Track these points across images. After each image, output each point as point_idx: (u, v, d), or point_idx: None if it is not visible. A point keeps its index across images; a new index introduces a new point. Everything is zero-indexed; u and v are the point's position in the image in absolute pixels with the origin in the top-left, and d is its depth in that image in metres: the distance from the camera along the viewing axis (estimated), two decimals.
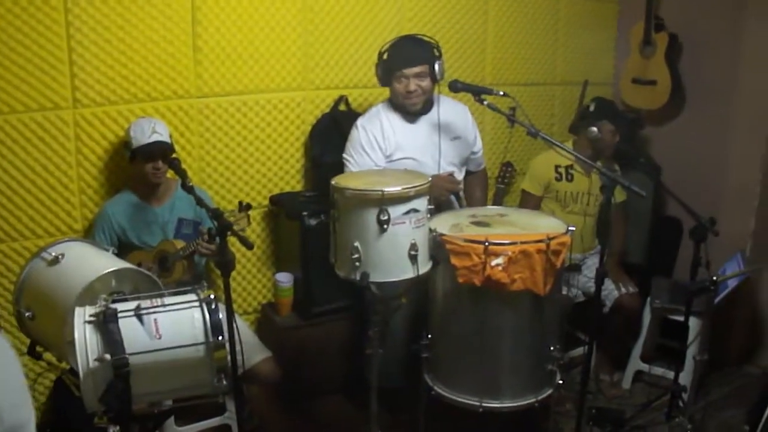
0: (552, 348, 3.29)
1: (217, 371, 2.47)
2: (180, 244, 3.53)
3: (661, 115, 5.35)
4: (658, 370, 4.73)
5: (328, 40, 4.18)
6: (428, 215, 2.98)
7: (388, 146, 3.75)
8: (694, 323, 4.32)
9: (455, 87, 3.60)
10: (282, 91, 4.11)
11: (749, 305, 5.11)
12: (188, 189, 3.07)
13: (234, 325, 2.63)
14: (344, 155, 3.78)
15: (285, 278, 4.14)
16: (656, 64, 5.16)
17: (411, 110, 3.83)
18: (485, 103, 3.50)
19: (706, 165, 5.09)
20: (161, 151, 3.51)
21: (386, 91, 3.92)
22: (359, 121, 3.82)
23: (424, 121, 3.86)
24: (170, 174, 3.61)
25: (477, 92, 3.57)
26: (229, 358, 2.53)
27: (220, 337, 2.45)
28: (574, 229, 3.25)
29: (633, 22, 5.27)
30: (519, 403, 3.25)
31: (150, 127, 3.50)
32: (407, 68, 3.72)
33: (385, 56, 3.77)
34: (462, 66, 4.66)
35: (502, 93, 3.51)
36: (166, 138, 3.53)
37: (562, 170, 4.52)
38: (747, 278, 4.53)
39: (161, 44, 3.74)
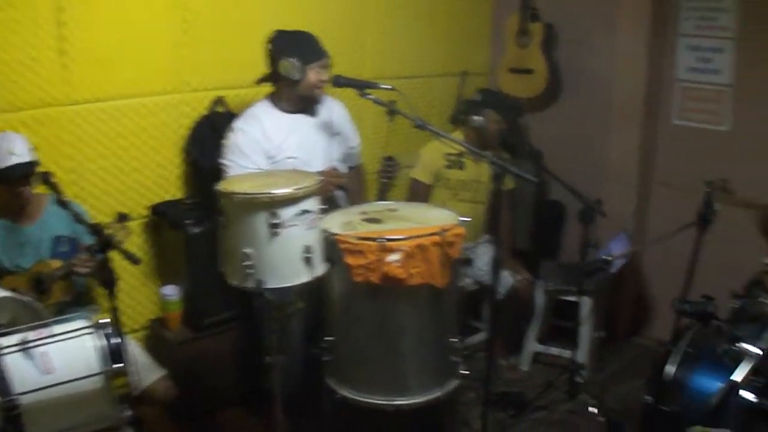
0: (453, 339, 3.25)
1: (120, 401, 2.30)
2: (56, 263, 3.26)
3: (538, 102, 5.40)
4: (555, 350, 4.78)
5: (203, 40, 4.00)
6: (320, 215, 2.88)
7: (270, 147, 3.60)
8: (585, 302, 4.37)
9: (338, 82, 3.50)
10: (156, 95, 3.91)
11: (635, 281, 5.21)
12: (63, 204, 2.87)
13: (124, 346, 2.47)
14: (222, 160, 3.57)
15: (172, 291, 3.96)
16: (532, 53, 5.19)
17: (317, 101, 3.75)
18: (370, 97, 3.42)
19: (586, 149, 5.16)
20: (22, 175, 3.15)
21: (262, 91, 3.79)
22: (236, 124, 3.63)
23: (306, 119, 3.74)
24: (40, 188, 3.27)
25: (361, 86, 3.49)
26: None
27: (119, 364, 2.28)
28: (468, 219, 3.20)
29: (508, 12, 5.29)
30: (426, 398, 3.20)
31: (6, 148, 3.12)
32: (321, 60, 3.63)
33: (292, 49, 3.59)
34: (342, 61, 4.55)
35: (389, 87, 3.43)
36: (26, 157, 3.16)
37: (453, 158, 4.50)
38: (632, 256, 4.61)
39: (24, 48, 3.45)
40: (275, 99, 3.71)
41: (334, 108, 3.91)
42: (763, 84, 4.50)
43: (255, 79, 3.75)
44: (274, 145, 3.61)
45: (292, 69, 3.54)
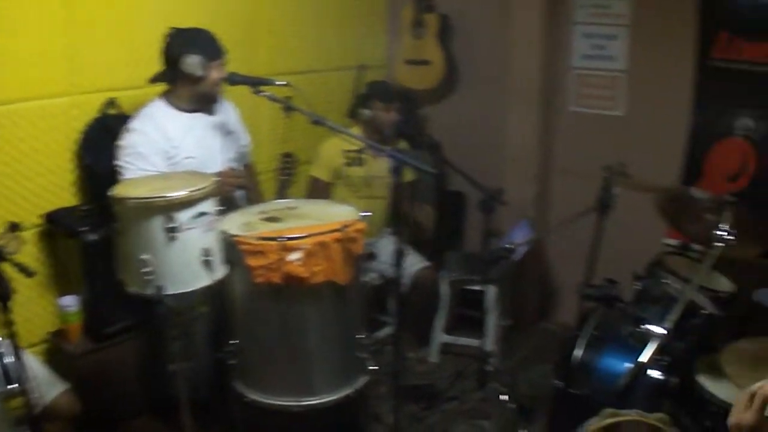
0: (361, 336, 3.25)
1: (16, 423, 2.21)
2: None
3: (436, 94, 5.43)
4: (463, 340, 4.81)
5: (92, 40, 3.87)
6: (218, 217, 2.83)
7: (169, 147, 3.51)
8: (490, 290, 4.42)
9: (233, 80, 3.46)
10: (46, 98, 3.75)
11: (538, 268, 5.29)
12: None
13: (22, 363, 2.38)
14: (118, 162, 3.45)
15: (70, 301, 3.83)
16: (429, 44, 5.22)
17: (216, 100, 3.69)
18: (265, 94, 3.38)
19: (485, 139, 5.21)
20: None
21: (155, 90, 3.71)
22: (132, 124, 3.51)
23: (204, 118, 3.67)
24: None
25: (256, 84, 3.45)
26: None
27: (13, 385, 2.19)
28: (369, 214, 3.19)
29: (403, 4, 5.30)
30: (336, 396, 3.19)
31: None
32: (222, 57, 3.58)
33: (194, 46, 3.50)
34: (234, 58, 4.48)
35: (283, 83, 3.40)
36: None
37: (351, 155, 4.49)
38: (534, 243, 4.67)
39: None
40: (171, 98, 3.62)
41: (227, 107, 3.86)
42: (656, 69, 4.63)
43: (147, 78, 3.66)
44: (173, 145, 3.52)
45: (196, 66, 3.47)
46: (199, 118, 3.66)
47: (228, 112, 3.84)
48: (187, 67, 3.47)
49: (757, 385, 1.67)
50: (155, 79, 3.65)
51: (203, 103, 3.65)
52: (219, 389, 3.41)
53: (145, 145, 3.44)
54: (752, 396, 1.65)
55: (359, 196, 4.53)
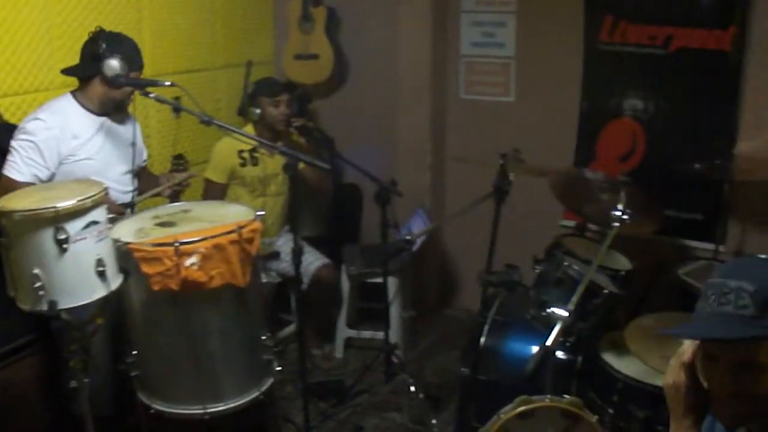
0: (264, 337, 3.22)
1: None
2: None
3: (327, 87, 5.43)
4: (367, 334, 4.84)
5: None
6: (109, 225, 2.77)
7: (71, 146, 3.40)
8: (391, 282, 4.45)
9: (118, 82, 3.37)
10: None
11: (438, 256, 5.36)
12: None
13: None
14: (13, 143, 3.30)
15: None
16: (317, 38, 5.22)
17: (124, 109, 3.66)
18: (152, 95, 3.32)
19: (377, 131, 5.25)
20: None
21: (39, 98, 3.60)
22: (41, 114, 3.38)
23: (109, 124, 3.59)
24: None
25: (142, 85, 3.38)
26: None
27: None
28: (263, 213, 3.17)
29: None
30: (243, 401, 3.16)
31: None
32: (141, 70, 3.54)
33: (121, 51, 3.41)
34: None
35: (168, 83, 3.33)
36: None
37: (246, 155, 4.45)
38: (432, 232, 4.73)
39: None
40: (80, 96, 3.52)
41: (133, 121, 3.78)
42: (545, 54, 4.75)
43: (31, 84, 3.55)
44: (77, 143, 3.43)
45: (117, 71, 3.39)
46: (106, 122, 3.58)
47: (131, 126, 3.75)
48: (108, 70, 3.38)
49: (685, 345, 1.80)
50: (68, 72, 3.57)
51: (111, 109, 3.58)
52: (123, 402, 3.34)
53: (45, 140, 3.32)
54: (682, 358, 1.80)
55: (256, 195, 4.51)
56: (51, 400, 3.68)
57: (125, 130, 3.69)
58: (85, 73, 3.50)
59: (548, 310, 2.93)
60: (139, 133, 3.83)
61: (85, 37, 3.53)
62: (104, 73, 3.39)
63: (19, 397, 3.70)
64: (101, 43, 3.40)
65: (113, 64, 3.37)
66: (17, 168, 3.25)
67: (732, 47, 4.21)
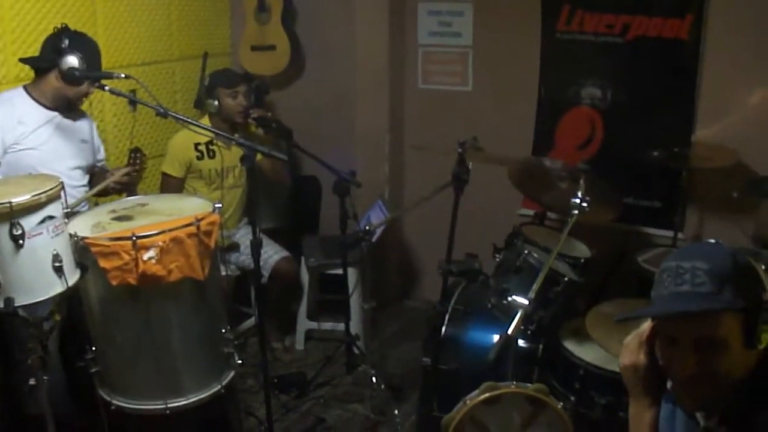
0: (224, 330, 3.21)
1: None
2: None
3: (284, 78, 5.43)
4: (328, 325, 4.84)
5: None
6: (65, 220, 2.73)
7: (15, 135, 3.39)
8: (351, 273, 4.46)
9: (71, 75, 3.34)
10: None
11: (398, 246, 5.37)
12: None
13: None
14: None
15: None
16: (273, 29, 5.21)
17: (75, 108, 3.65)
18: (106, 88, 3.28)
19: (335, 120, 5.25)
20: None
21: None
22: None
23: (60, 119, 3.57)
24: None
25: (96, 78, 3.36)
26: None
27: None
28: (221, 206, 3.15)
29: None
30: (204, 394, 3.15)
31: None
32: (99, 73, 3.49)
33: (82, 50, 3.40)
34: None
35: (123, 75, 3.29)
36: None
37: (202, 148, 4.43)
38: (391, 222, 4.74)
39: None
40: (33, 90, 3.51)
41: (86, 120, 3.77)
42: (502, 44, 4.78)
43: None
44: (22, 132, 3.41)
45: (75, 69, 3.37)
46: (56, 117, 3.56)
47: (85, 124, 3.74)
48: (65, 65, 3.36)
49: (643, 327, 1.86)
50: (26, 61, 3.56)
51: (63, 106, 3.56)
52: (83, 399, 3.31)
53: None
54: (640, 338, 1.86)
55: (213, 188, 4.49)
56: (8, 400, 3.64)
57: (78, 127, 3.67)
58: (42, 64, 3.47)
59: (509, 299, 2.96)
60: (95, 131, 3.83)
61: (39, 32, 3.50)
62: (61, 68, 3.37)
63: None
64: (64, 39, 3.39)
65: (72, 60, 3.35)
66: None
67: (689, 36, 4.27)
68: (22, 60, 3.57)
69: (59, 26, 3.46)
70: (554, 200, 3.85)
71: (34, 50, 3.69)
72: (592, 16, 4.48)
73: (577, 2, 4.51)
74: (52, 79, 3.46)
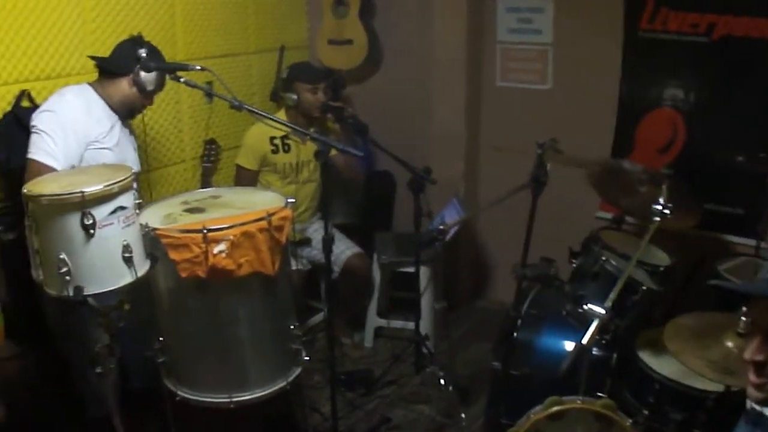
0: (292, 326, 3.18)
1: None
2: None
3: (360, 73, 5.37)
4: (397, 323, 4.79)
5: (1, 29, 3.70)
6: (137, 211, 2.72)
7: (94, 132, 3.37)
8: (423, 272, 4.39)
9: (147, 66, 3.34)
10: None
11: (472, 246, 5.28)
12: None
13: None
14: (35, 123, 3.25)
15: None
16: (351, 23, 5.16)
17: (133, 117, 3.67)
18: (182, 80, 3.27)
19: (411, 117, 5.18)
20: None
21: (71, 82, 3.59)
22: (67, 95, 3.36)
23: (121, 124, 3.58)
24: None
25: (172, 69, 3.35)
26: None
27: None
28: (293, 201, 3.12)
29: None
30: (270, 390, 3.11)
31: None
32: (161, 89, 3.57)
33: (158, 61, 3.44)
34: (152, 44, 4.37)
35: (198, 67, 3.28)
36: None
37: (278, 141, 4.41)
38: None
39: None
40: (101, 90, 3.49)
41: (133, 131, 3.79)
42: (583, 41, 4.64)
43: (63, 69, 3.52)
44: (99, 131, 3.40)
45: (149, 82, 3.42)
46: (117, 122, 3.55)
47: (134, 135, 3.78)
48: (140, 78, 3.40)
49: None
50: (100, 62, 3.56)
51: (125, 112, 3.56)
52: (149, 389, 3.31)
53: (70, 122, 3.28)
54: None
55: (288, 182, 4.48)
56: (78, 385, 3.66)
57: (130, 136, 3.69)
58: (120, 69, 3.46)
59: (585, 307, 2.84)
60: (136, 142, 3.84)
61: (117, 23, 3.50)
62: (136, 80, 3.40)
63: (46, 382, 3.70)
64: (143, 49, 3.40)
65: (148, 75, 3.41)
66: (47, 151, 3.20)
67: None
68: (96, 60, 3.57)
69: (135, 35, 3.48)
70: (633, 204, 3.71)
71: (111, 43, 3.68)
72: (677, 15, 4.32)
73: (662, 0, 4.35)
74: (124, 85, 3.44)
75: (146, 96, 3.49)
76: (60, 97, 3.35)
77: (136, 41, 3.44)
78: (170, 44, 4.49)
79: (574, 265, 3.59)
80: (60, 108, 3.29)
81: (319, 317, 4.76)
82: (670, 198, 3.04)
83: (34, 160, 3.18)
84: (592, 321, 2.72)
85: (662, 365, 3.13)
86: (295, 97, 4.35)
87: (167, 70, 3.35)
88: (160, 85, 3.44)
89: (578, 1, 4.63)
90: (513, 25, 4.92)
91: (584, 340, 2.67)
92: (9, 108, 3.76)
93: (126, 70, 3.43)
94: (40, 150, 3.19)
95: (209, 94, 3.34)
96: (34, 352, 3.69)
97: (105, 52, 3.66)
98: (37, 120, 3.26)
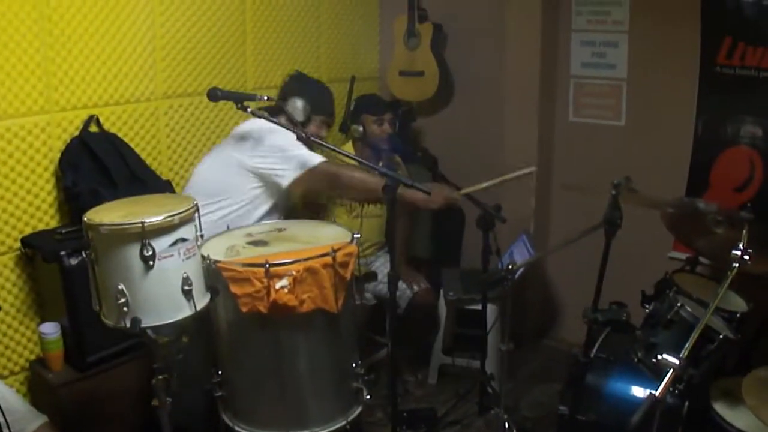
0: (354, 365, 3.11)
1: None
2: None
3: (431, 105, 5.31)
4: (462, 361, 4.63)
5: (72, 54, 3.69)
6: (198, 243, 2.66)
7: None
8: (491, 310, 4.26)
9: (214, 95, 3.30)
10: (23, 116, 3.57)
11: (540, 284, 5.15)
12: None
13: None
14: (277, 165, 3.50)
15: (50, 329, 3.64)
16: (422, 55, 5.08)
17: None
18: (249, 110, 3.23)
19: (482, 151, 5.07)
20: None
21: (139, 109, 3.59)
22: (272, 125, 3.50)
23: None
24: None
25: (238, 99, 3.31)
26: None
27: None
28: (359, 236, 3.03)
29: (395, 13, 5.17)
30: (329, 428, 3.04)
31: None
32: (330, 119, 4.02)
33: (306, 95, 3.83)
34: (221, 72, 4.34)
35: (266, 97, 3.25)
36: None
37: None
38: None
39: None
40: None
41: None
42: (658, 77, 4.49)
43: (132, 95, 3.56)
44: None
45: (299, 112, 3.78)
46: None
47: None
48: (292, 109, 3.68)
49: None
50: (274, 103, 3.82)
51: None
52: (207, 422, 3.25)
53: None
54: None
55: (354, 215, 4.39)
56: (144, 408, 3.61)
57: None
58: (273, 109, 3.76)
59: (658, 357, 2.69)
60: None
61: (188, 50, 3.51)
62: (287, 110, 3.81)
63: (109, 404, 3.67)
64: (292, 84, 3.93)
65: (298, 105, 3.82)
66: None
67: None
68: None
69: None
70: (708, 245, 3.55)
71: (181, 69, 3.66)
72: (755, 51, 4.14)
73: (740, 35, 4.16)
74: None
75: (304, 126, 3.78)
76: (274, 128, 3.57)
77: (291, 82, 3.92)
78: (240, 72, 4.47)
79: (647, 310, 3.42)
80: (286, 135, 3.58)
81: (383, 353, 4.64)
82: (749, 242, 2.87)
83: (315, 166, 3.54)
84: (665, 372, 2.57)
85: (738, 418, 2.99)
86: (361, 128, 4.27)
87: (233, 99, 3.31)
88: (227, 93, 3.42)
89: (653, 35, 4.48)
90: (586, 59, 4.79)
91: (658, 392, 2.52)
92: (77, 133, 3.77)
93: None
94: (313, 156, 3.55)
95: (279, 125, 3.29)
96: (92, 378, 3.66)
97: (175, 78, 3.66)
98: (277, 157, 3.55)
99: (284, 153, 3.52)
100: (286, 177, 3.52)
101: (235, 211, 3.58)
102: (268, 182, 3.60)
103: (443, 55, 5.17)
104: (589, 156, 4.78)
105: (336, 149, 3.37)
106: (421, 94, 5.17)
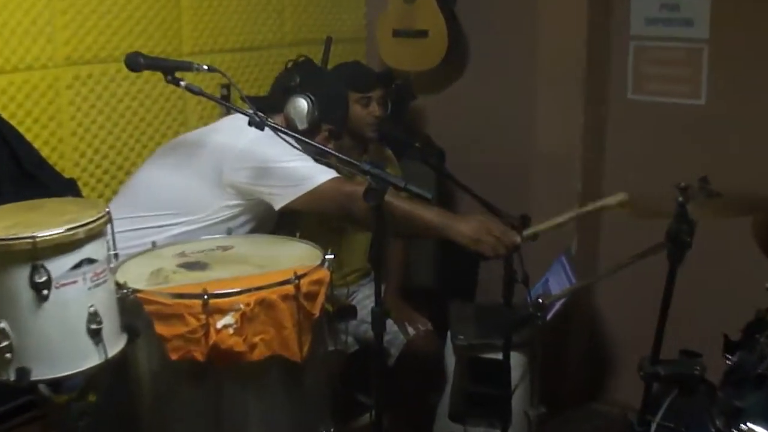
0: (324, 430, 3.18)
1: None
2: None
3: (436, 78, 5.39)
4: (477, 430, 4.68)
5: None
6: (110, 264, 2.70)
7: None
8: (516, 360, 4.31)
9: (135, 63, 3.33)
10: None
11: (583, 325, 5.19)
12: None
13: None
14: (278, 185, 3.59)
15: None
16: (425, 9, 5.17)
17: None
18: (182, 84, 3.27)
19: (506, 141, 5.17)
20: None
21: (31, 78, 3.67)
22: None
23: None
24: None
25: (169, 69, 3.34)
26: None
27: None
28: (332, 257, 3.08)
29: None
30: None
31: None
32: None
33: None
34: (147, 30, 4.37)
35: (206, 67, 3.28)
36: None
37: None
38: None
39: None
40: None
41: None
42: (748, 38, 4.54)
43: (20, 59, 3.73)
44: None
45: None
46: None
47: None
48: (293, 111, 3.83)
49: None
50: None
51: None
52: None
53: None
54: None
55: (330, 228, 4.43)
56: None
57: None
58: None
59: (744, 427, 2.76)
60: None
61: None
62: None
63: None
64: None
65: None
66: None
67: None
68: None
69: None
70: None
71: (91, 24, 3.72)
72: None
73: None
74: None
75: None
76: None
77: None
78: (172, 30, 4.52)
79: (730, 363, 3.48)
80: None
81: (365, 418, 4.70)
82: None
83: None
84: None
85: None
86: None
87: (162, 69, 3.35)
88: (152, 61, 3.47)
89: None
90: (653, 12, 4.85)
91: None
92: None
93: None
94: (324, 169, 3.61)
95: (227, 107, 3.34)
96: None
97: (82, 37, 3.73)
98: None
99: (279, 165, 3.58)
100: (282, 197, 3.59)
101: (192, 231, 3.64)
102: (250, 201, 3.67)
103: (454, 8, 5.25)
104: (655, 147, 4.85)
105: (302, 138, 3.42)
106: (424, 62, 5.26)
